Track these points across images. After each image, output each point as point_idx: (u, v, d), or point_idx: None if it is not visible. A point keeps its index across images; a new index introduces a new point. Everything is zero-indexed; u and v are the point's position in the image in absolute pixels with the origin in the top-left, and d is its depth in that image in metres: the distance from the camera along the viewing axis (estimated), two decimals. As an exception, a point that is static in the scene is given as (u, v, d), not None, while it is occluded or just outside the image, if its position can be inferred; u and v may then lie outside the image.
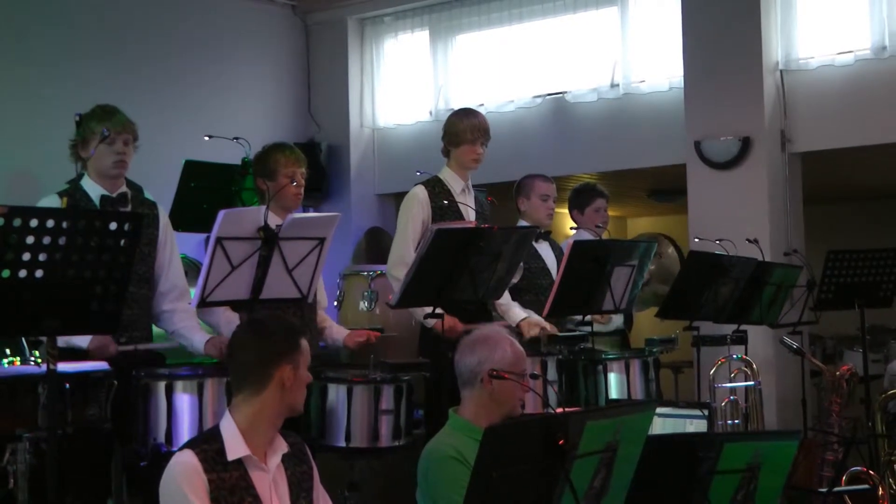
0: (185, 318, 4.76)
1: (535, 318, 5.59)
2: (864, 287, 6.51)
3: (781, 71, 7.61)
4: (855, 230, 10.86)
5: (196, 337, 4.69)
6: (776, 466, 3.32)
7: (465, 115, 5.69)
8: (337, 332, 5.23)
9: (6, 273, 3.41)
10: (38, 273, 3.47)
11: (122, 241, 3.64)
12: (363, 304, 6.59)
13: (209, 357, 4.72)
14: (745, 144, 7.55)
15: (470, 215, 5.54)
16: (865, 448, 5.77)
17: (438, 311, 4.84)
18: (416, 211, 5.51)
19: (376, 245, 8.61)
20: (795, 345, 6.11)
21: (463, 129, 5.58)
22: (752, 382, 6.15)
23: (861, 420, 6.40)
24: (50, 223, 3.46)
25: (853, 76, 7.42)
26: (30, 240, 3.43)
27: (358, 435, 4.63)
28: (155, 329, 4.86)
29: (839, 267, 6.44)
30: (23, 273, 3.44)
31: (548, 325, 5.51)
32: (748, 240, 6.65)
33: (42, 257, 3.47)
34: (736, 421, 6.04)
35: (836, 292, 6.47)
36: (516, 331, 5.42)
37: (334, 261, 5.61)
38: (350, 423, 4.61)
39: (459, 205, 5.55)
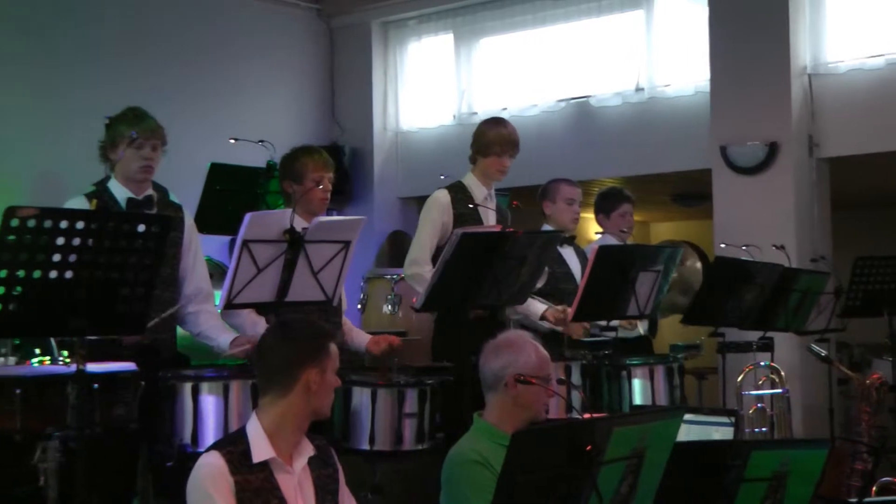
0: (210, 319, 4.76)
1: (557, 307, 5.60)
2: (892, 294, 6.45)
3: (810, 75, 7.58)
4: (883, 236, 10.78)
5: (221, 337, 4.68)
6: (804, 475, 3.29)
7: (495, 124, 5.65)
8: (358, 337, 5.21)
9: (37, 274, 3.43)
10: (68, 274, 3.49)
11: (150, 244, 3.66)
12: (386, 308, 6.59)
13: (234, 357, 4.73)
14: (772, 149, 7.52)
15: (490, 220, 5.52)
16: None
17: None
18: (436, 214, 5.50)
19: (399, 248, 8.60)
20: (823, 352, 6.08)
21: (491, 139, 5.55)
22: (779, 390, 6.12)
23: (890, 429, 6.36)
24: (79, 225, 3.47)
25: (883, 80, 7.38)
26: (60, 241, 3.44)
27: (381, 438, 4.61)
28: (179, 331, 4.87)
29: (867, 274, 6.38)
30: (53, 274, 3.46)
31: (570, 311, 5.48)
32: (774, 246, 6.63)
33: (72, 258, 3.48)
34: (763, 429, 6.01)
35: (864, 299, 6.41)
36: (543, 330, 5.43)
37: (357, 264, 5.60)
38: (374, 427, 4.59)
39: (480, 209, 5.54)
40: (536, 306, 5.62)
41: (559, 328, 5.57)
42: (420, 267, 5.32)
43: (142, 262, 3.65)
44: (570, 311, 5.37)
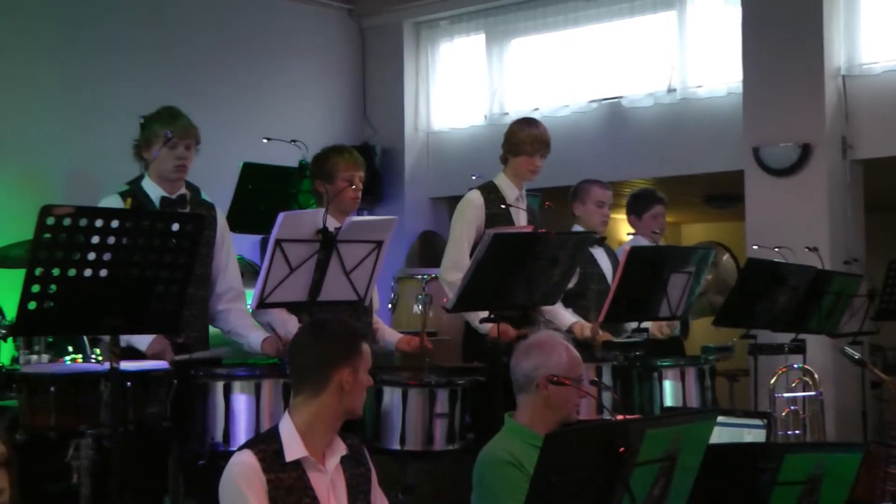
0: (241, 317, 4.79)
1: (584, 322, 5.58)
2: (927, 297, 6.42)
3: (844, 76, 7.53)
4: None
5: (252, 335, 4.70)
6: (839, 479, 3.27)
7: (527, 124, 5.65)
8: (389, 336, 5.23)
9: (72, 272, 3.46)
10: (103, 272, 3.51)
11: (184, 242, 3.68)
12: (417, 308, 6.57)
13: (266, 356, 4.74)
14: (805, 151, 7.47)
15: (522, 221, 5.52)
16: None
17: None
18: (471, 216, 5.50)
19: (430, 248, 8.62)
20: (857, 355, 6.03)
21: (523, 139, 5.55)
22: (813, 392, 6.09)
23: (924, 434, 6.32)
24: (114, 223, 3.50)
25: (918, 82, 7.32)
26: (95, 239, 3.47)
27: (412, 438, 4.62)
28: (211, 330, 4.89)
29: (901, 276, 6.36)
30: (88, 272, 3.48)
31: (598, 329, 5.48)
32: (807, 248, 6.59)
33: (106, 257, 3.51)
34: (796, 431, 5.98)
35: (898, 302, 6.39)
36: (569, 335, 5.41)
37: (388, 264, 5.61)
38: (405, 427, 4.60)
39: (511, 209, 5.53)
40: (565, 318, 5.60)
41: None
42: (460, 272, 5.29)
43: (176, 260, 3.67)
44: (599, 332, 5.38)
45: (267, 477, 3.24)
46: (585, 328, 5.50)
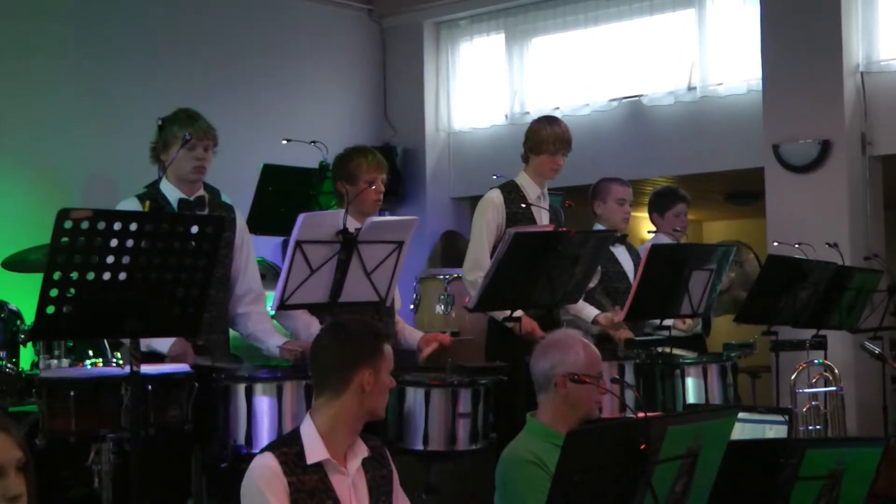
0: (260, 322, 4.77)
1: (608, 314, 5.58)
2: (947, 292, 6.39)
3: (862, 73, 7.51)
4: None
5: (271, 340, 4.69)
6: (859, 474, 3.26)
7: (549, 123, 5.64)
8: (410, 335, 5.22)
9: (91, 275, 3.46)
10: (122, 276, 3.51)
11: (204, 245, 3.67)
12: (439, 308, 6.59)
13: (284, 361, 4.74)
14: (825, 147, 7.46)
15: (544, 219, 5.51)
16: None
17: (516, 314, 4.83)
18: (491, 215, 5.49)
19: (452, 248, 8.61)
20: (877, 350, 6.03)
21: (545, 138, 5.55)
22: (833, 388, 6.08)
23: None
24: (133, 226, 3.49)
25: (937, 78, 7.29)
26: (113, 243, 3.46)
27: (435, 438, 4.60)
28: (231, 332, 4.89)
29: (921, 271, 6.34)
30: (107, 276, 3.48)
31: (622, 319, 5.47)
32: (828, 244, 6.57)
33: (125, 260, 3.50)
34: (817, 427, 5.97)
35: (918, 297, 6.36)
36: (594, 331, 5.41)
37: (410, 264, 5.61)
38: (427, 427, 4.59)
39: (533, 208, 5.53)
40: (588, 310, 5.61)
41: (611, 332, 5.57)
42: (482, 271, 5.28)
43: (196, 263, 3.66)
44: (622, 313, 5.36)
45: (288, 479, 3.24)
46: (611, 317, 5.50)
